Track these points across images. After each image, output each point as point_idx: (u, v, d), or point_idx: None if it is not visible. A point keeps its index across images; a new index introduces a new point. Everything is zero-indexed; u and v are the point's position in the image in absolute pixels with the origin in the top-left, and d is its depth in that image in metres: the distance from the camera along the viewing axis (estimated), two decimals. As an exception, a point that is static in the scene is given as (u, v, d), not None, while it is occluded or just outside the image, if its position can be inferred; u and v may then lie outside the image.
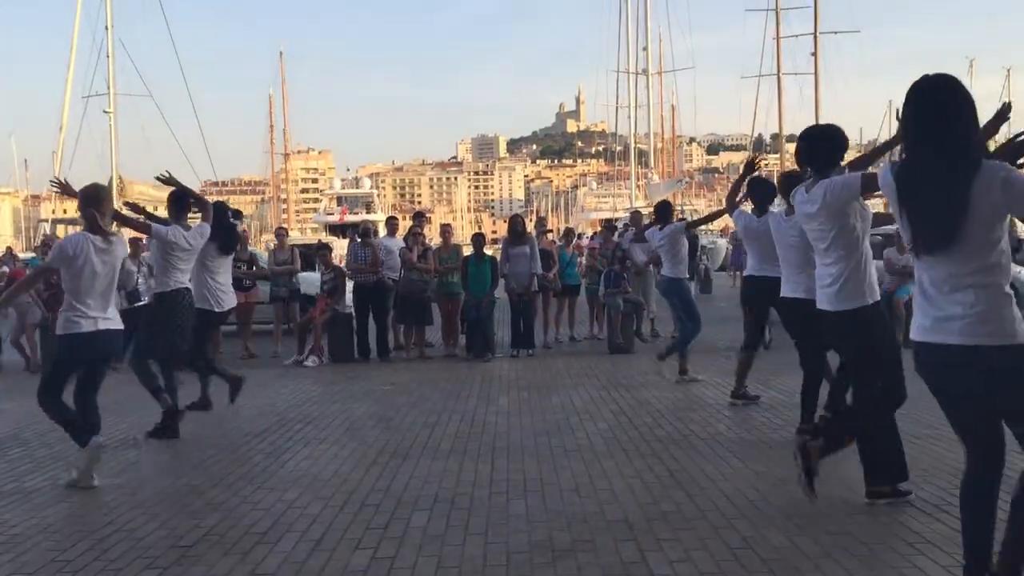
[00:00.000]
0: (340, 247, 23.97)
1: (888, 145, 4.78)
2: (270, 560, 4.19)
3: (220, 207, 8.15)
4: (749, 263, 7.57)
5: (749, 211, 7.56)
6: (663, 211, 9.72)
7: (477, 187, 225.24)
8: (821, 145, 4.81)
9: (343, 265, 12.81)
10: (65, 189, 6.61)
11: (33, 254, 26.13)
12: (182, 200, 7.56)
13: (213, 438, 7.09)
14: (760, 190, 7.52)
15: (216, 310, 8.03)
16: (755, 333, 7.80)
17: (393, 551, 4.27)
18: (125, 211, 7.87)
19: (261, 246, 46.34)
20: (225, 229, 8.00)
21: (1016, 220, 4.54)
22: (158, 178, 7.61)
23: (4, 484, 5.78)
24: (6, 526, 4.85)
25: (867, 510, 4.69)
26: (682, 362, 9.34)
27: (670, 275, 9.33)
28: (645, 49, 59.76)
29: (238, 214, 10.18)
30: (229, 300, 8.27)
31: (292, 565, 4.11)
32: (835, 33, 54.37)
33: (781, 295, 6.52)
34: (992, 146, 3.56)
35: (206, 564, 4.15)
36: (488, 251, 12.86)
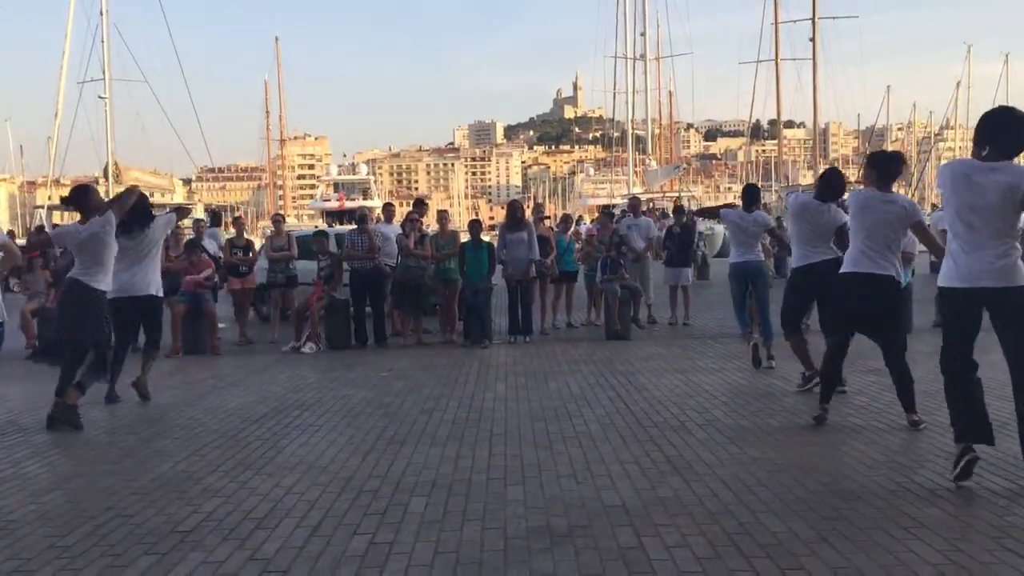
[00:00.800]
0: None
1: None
2: (268, 545, 4.20)
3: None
4: (799, 250, 7.44)
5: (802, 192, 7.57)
6: (755, 195, 9.56)
7: (474, 173, 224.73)
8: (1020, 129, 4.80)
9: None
10: None
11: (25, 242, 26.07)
12: (73, 197, 7.55)
13: (211, 425, 7.10)
14: (830, 181, 7.53)
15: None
16: (800, 314, 7.80)
17: (391, 536, 4.28)
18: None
19: (257, 233, 46.31)
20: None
21: None
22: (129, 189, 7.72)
23: (2, 470, 5.78)
24: (4, 512, 4.85)
25: (862, 496, 4.71)
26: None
27: (757, 258, 9.26)
28: (643, 34, 59.76)
29: (180, 209, 9.92)
30: (116, 285, 7.70)
31: (290, 550, 4.13)
32: (834, 19, 54.39)
33: (862, 271, 6.14)
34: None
35: (205, 549, 4.17)
36: (485, 237, 12.85)
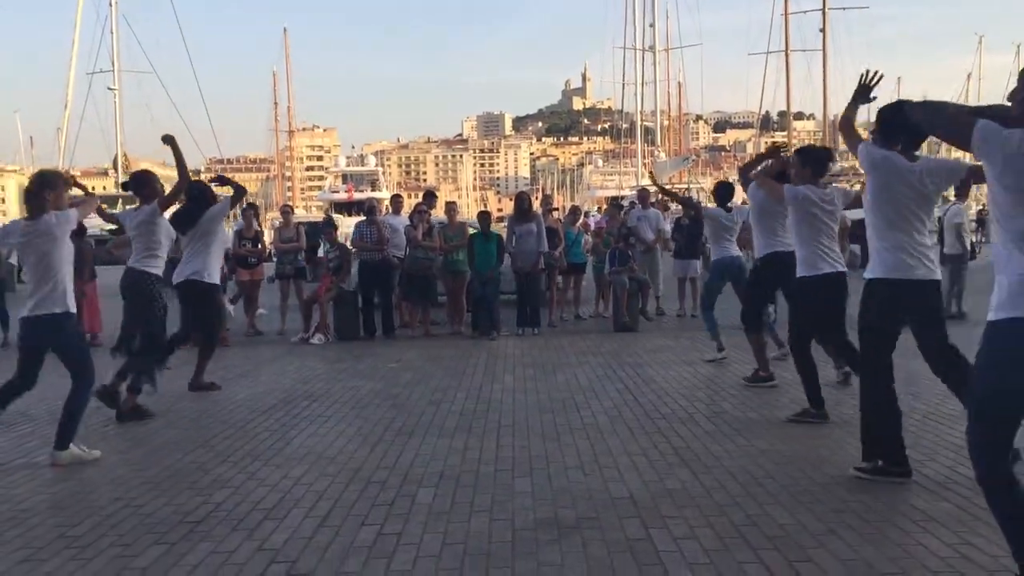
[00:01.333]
0: (345, 225, 24.01)
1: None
2: (277, 536, 4.21)
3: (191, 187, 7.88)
4: (763, 240, 7.37)
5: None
6: (731, 191, 9.60)
7: (483, 165, 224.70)
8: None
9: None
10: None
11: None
12: (131, 182, 7.61)
13: (220, 415, 7.12)
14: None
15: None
16: (763, 308, 7.77)
17: (399, 527, 4.30)
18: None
19: (267, 224, 46.38)
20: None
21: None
22: (163, 138, 7.46)
23: (13, 460, 5.82)
24: (15, 502, 4.88)
25: (871, 488, 4.70)
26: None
27: (737, 252, 9.31)
28: (652, 26, 59.77)
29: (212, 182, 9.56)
30: (180, 272, 8.04)
31: (299, 541, 4.14)
32: (844, 9, 54.18)
33: (827, 272, 6.17)
34: None
35: (214, 539, 4.18)
36: (493, 229, 12.84)
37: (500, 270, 11.96)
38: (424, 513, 4.50)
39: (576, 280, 13.76)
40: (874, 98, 4.97)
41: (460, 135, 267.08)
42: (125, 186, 7.73)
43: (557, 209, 16.19)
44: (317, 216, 41.81)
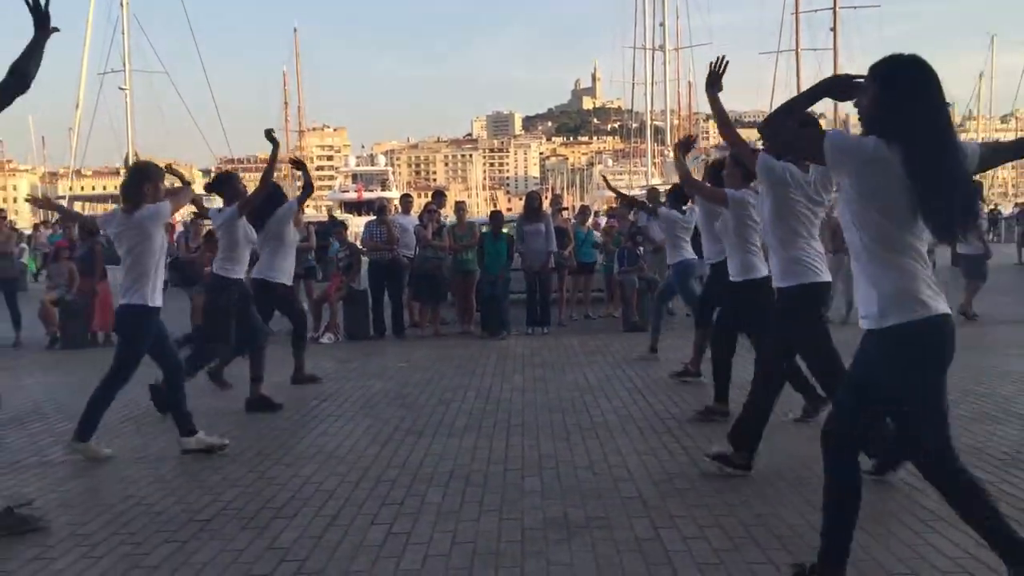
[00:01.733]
0: (355, 225, 24.05)
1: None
2: (287, 535, 4.23)
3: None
4: (714, 245, 7.11)
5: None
6: (683, 194, 9.32)
7: (492, 164, 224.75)
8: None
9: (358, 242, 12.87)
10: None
11: (50, 231, 26.32)
12: (214, 183, 7.71)
13: (230, 414, 7.14)
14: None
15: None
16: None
17: (409, 526, 4.30)
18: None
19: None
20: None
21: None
22: (266, 133, 7.24)
23: (25, 458, 5.85)
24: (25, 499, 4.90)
25: (880, 488, 4.67)
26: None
27: (693, 255, 9.14)
28: (662, 25, 59.59)
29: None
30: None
31: (309, 540, 4.15)
32: (855, 8, 53.92)
33: (770, 274, 6.18)
34: None
35: (224, 538, 4.20)
36: (503, 228, 12.84)
37: (510, 269, 11.98)
38: (434, 512, 4.50)
39: (586, 280, 13.74)
40: (722, 87, 5.09)
41: (470, 134, 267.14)
42: (209, 187, 7.78)
43: (567, 209, 16.19)
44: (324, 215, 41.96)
